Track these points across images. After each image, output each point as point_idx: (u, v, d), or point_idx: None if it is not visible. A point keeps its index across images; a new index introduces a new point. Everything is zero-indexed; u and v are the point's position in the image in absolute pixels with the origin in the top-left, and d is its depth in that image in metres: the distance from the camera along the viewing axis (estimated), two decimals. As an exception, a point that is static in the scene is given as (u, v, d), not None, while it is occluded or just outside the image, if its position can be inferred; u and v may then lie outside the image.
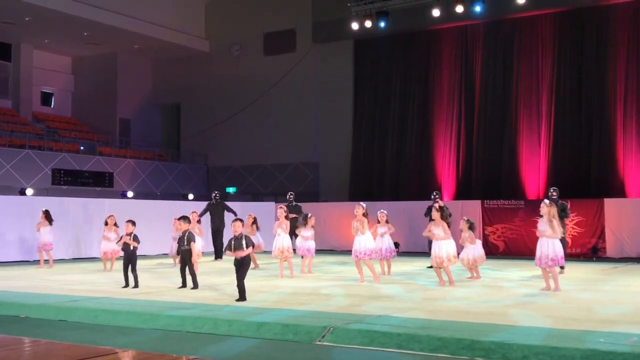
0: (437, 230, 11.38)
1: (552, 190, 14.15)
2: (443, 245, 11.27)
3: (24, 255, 17.52)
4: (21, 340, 7.16)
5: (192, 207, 17.19)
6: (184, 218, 11.30)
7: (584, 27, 21.96)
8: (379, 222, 13.06)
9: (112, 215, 15.22)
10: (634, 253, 17.58)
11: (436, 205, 12.39)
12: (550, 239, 10.28)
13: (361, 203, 12.15)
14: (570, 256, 17.73)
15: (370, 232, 12.18)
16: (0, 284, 11.89)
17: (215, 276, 12.98)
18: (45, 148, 24.66)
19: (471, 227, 12.29)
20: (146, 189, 26.59)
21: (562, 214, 13.09)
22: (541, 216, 10.48)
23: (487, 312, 8.18)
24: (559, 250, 10.31)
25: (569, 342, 6.14)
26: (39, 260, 15.77)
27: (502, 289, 10.91)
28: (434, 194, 15.03)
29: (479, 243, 12.46)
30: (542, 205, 10.53)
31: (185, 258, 10.97)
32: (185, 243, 10.91)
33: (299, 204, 17.57)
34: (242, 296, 9.23)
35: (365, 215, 11.84)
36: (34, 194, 20.69)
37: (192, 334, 7.47)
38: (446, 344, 6.37)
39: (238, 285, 9.28)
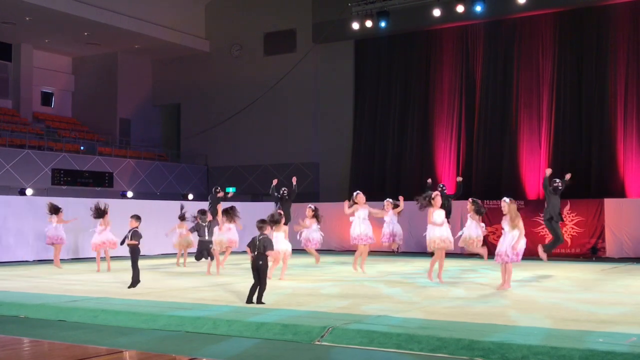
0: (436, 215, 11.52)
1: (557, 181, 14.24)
2: (437, 229, 11.39)
3: (23, 255, 17.54)
4: (21, 340, 7.16)
5: (192, 206, 17.15)
6: (203, 212, 12.17)
7: (584, 27, 21.96)
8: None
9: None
10: (634, 253, 17.59)
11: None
12: (512, 235, 10.36)
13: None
14: (569, 256, 17.81)
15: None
16: (0, 284, 11.89)
17: (215, 276, 12.99)
18: (45, 148, 24.66)
19: (477, 211, 12.43)
20: (146, 189, 26.59)
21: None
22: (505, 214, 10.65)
23: (487, 312, 8.18)
24: (520, 246, 10.40)
25: (568, 342, 6.15)
26: (46, 260, 15.95)
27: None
28: (441, 186, 15.72)
29: (475, 225, 12.56)
30: (502, 204, 10.61)
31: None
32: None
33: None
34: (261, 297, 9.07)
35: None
36: (34, 194, 20.70)
37: (191, 334, 7.47)
38: (445, 344, 6.37)
39: (264, 286, 9.06)
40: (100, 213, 14.68)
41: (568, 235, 18.03)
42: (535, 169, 22.15)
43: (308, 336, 6.99)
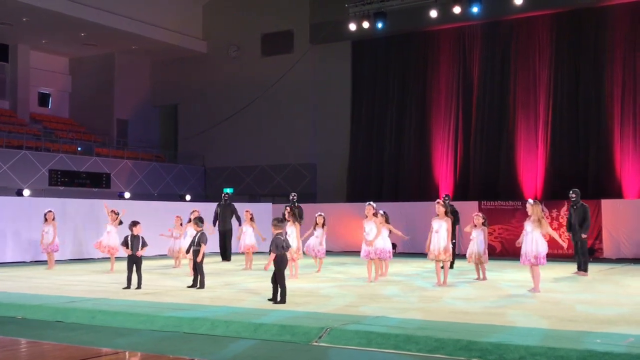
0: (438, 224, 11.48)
1: (571, 193, 14.18)
2: (442, 239, 11.35)
3: (21, 256, 17.50)
4: (18, 341, 7.15)
5: (190, 207, 17.11)
6: (200, 220, 11.63)
7: (582, 29, 22.00)
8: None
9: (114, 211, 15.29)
10: (631, 254, 17.62)
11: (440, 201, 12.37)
12: (534, 237, 10.38)
13: (371, 203, 12.25)
14: (567, 257, 17.80)
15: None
16: (-2, 285, 11.88)
17: (214, 277, 12.98)
18: (42, 149, 24.61)
19: (484, 223, 12.51)
20: (143, 190, 26.55)
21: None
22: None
23: (485, 313, 8.19)
24: (543, 249, 10.41)
25: (566, 343, 6.16)
26: (44, 261, 15.90)
27: (499, 289, 10.93)
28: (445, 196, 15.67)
29: (482, 240, 12.50)
30: (527, 205, 10.69)
31: (195, 258, 11.30)
32: (196, 244, 11.26)
33: (300, 205, 17.54)
34: (283, 298, 9.10)
35: (375, 215, 12.10)
36: (31, 195, 20.66)
37: (189, 335, 7.47)
38: (443, 344, 6.38)
39: (281, 287, 9.17)
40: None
41: (565, 236, 18.03)
42: (533, 169, 22.19)
43: (306, 337, 6.99)
